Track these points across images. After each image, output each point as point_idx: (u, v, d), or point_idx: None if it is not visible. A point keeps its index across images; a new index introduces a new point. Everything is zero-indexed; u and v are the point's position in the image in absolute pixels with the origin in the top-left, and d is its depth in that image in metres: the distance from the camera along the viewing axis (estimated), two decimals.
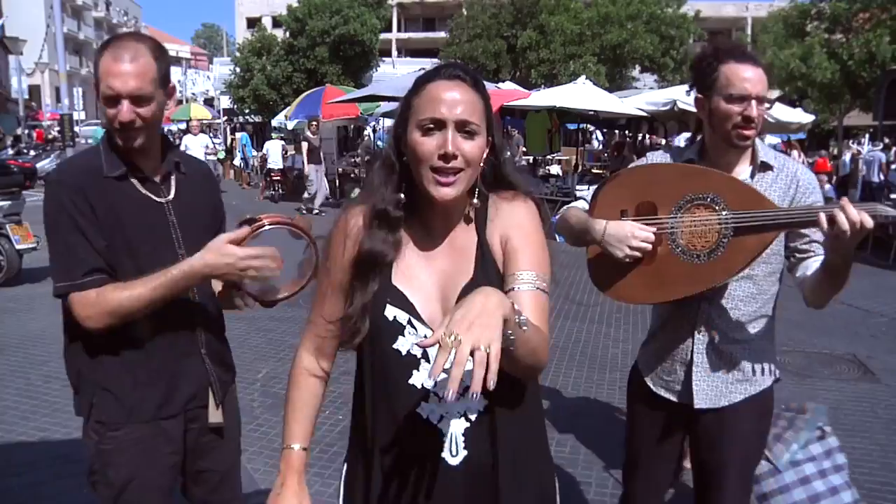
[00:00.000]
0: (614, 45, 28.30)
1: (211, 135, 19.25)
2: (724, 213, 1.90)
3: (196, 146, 14.87)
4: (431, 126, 1.35)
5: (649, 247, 1.96)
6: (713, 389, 2.10)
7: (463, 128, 1.35)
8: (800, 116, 13.93)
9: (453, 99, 1.35)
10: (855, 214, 1.67)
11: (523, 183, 1.50)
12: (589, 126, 18.39)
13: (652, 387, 2.21)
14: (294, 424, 1.53)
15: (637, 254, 1.97)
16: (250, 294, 1.89)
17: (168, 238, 1.88)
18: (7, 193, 7.80)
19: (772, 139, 19.49)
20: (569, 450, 3.97)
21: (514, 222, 1.44)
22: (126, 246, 1.81)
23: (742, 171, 2.05)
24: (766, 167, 2.05)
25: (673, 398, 2.16)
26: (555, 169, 17.32)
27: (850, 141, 20.57)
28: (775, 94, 26.60)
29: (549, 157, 17.37)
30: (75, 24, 49.85)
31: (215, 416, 1.99)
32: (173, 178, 1.94)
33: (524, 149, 16.91)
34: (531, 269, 1.39)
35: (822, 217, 1.73)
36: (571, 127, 17.06)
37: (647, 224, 1.99)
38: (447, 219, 1.46)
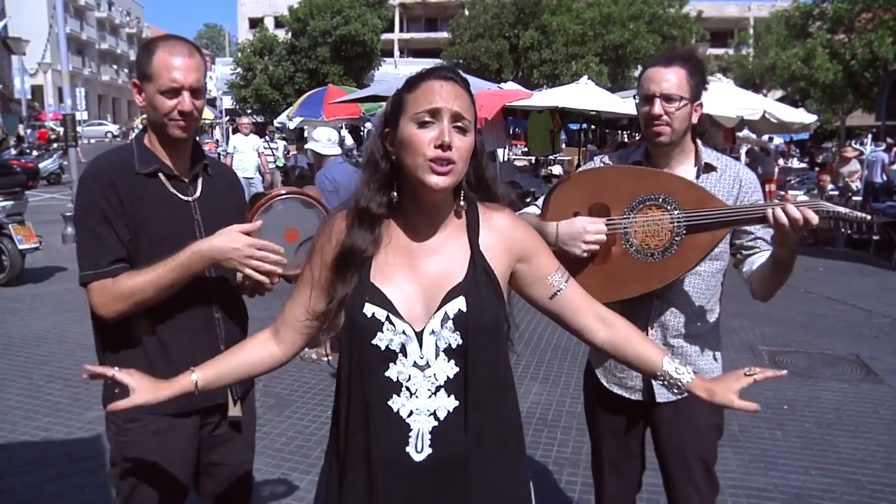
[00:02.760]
0: (616, 46, 28.30)
1: (267, 138, 16.13)
2: (675, 212, 1.96)
3: (246, 147, 12.00)
4: (427, 118, 1.37)
5: (604, 238, 2.00)
6: None
7: (456, 121, 1.38)
8: (802, 117, 13.94)
9: (448, 93, 1.38)
10: (796, 212, 1.77)
11: (503, 191, 1.55)
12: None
13: (606, 384, 2.23)
14: (213, 362, 1.59)
15: (595, 247, 2.00)
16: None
17: (192, 236, 1.90)
18: (10, 193, 7.81)
19: (775, 139, 19.52)
20: (571, 450, 3.96)
21: (520, 239, 1.52)
22: (149, 241, 1.85)
23: (687, 171, 2.11)
24: (709, 168, 2.11)
25: (628, 395, 2.19)
26: (557, 169, 17.33)
27: (854, 142, 20.50)
28: (778, 94, 26.59)
29: (550, 157, 17.38)
30: (78, 24, 49.95)
31: (234, 410, 2.03)
32: (200, 178, 1.99)
33: (526, 149, 16.89)
34: (556, 270, 1.54)
35: (769, 213, 1.82)
36: (574, 127, 17.06)
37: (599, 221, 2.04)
38: (433, 219, 1.47)
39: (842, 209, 1.85)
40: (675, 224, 1.96)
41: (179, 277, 1.80)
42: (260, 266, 1.79)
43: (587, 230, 1.99)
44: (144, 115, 1.99)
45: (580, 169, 2.31)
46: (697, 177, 2.10)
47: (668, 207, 1.97)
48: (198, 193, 1.96)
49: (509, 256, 1.50)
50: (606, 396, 2.23)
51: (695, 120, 2.07)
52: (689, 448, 2.15)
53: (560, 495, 3.46)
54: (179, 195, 1.92)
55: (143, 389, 1.53)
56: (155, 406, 1.87)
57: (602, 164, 2.24)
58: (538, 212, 2.21)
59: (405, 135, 1.39)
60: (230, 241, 1.78)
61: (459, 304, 1.41)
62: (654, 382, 2.11)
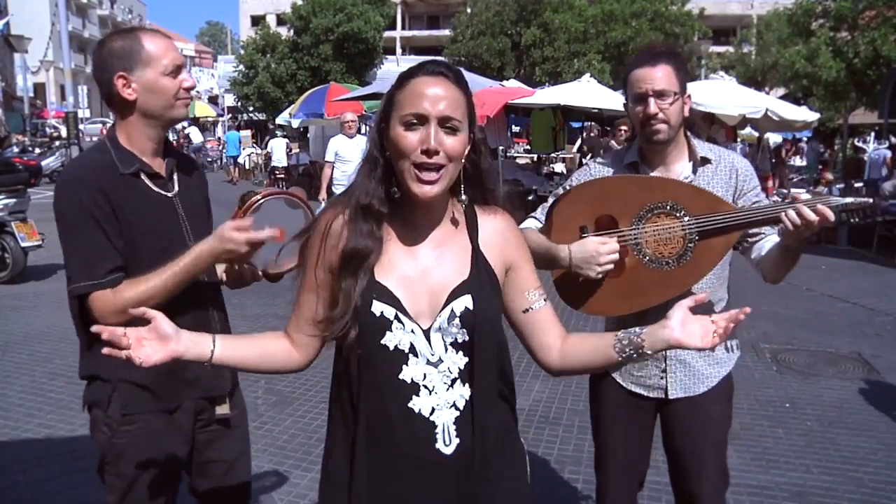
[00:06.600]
0: (618, 43, 28.27)
1: None
2: (686, 219, 1.96)
3: (353, 153, 8.12)
4: (414, 121, 1.35)
5: (617, 257, 1.99)
6: (690, 378, 2.15)
7: (445, 123, 1.35)
8: (804, 114, 13.91)
9: (436, 95, 1.35)
10: (811, 214, 1.81)
11: (499, 189, 1.54)
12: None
13: (622, 382, 2.21)
14: (231, 337, 1.56)
15: (609, 267, 1.99)
16: (254, 267, 1.98)
17: (179, 232, 1.91)
18: (12, 191, 7.83)
19: (775, 137, 19.47)
20: (572, 448, 3.97)
21: (514, 246, 1.52)
22: (142, 242, 1.83)
23: (683, 166, 2.11)
24: (705, 161, 2.11)
25: (647, 393, 2.18)
26: (559, 167, 17.32)
27: (857, 139, 20.45)
28: (780, 92, 26.51)
29: (553, 155, 17.37)
30: (80, 22, 49.95)
31: (222, 408, 2.03)
32: (175, 173, 1.98)
33: (528, 146, 16.88)
34: (537, 287, 1.53)
35: (783, 216, 1.86)
36: (576, 125, 17.03)
37: (609, 237, 2.01)
38: (430, 215, 1.46)
39: (848, 199, 1.88)
40: (687, 231, 1.96)
41: (181, 282, 1.79)
42: (263, 244, 1.82)
43: (600, 252, 1.97)
44: None
45: (582, 180, 2.22)
46: (695, 171, 2.10)
47: (678, 214, 1.97)
48: (177, 189, 1.96)
49: (502, 259, 1.50)
50: (623, 395, 2.21)
51: (686, 112, 2.08)
52: (704, 442, 2.16)
53: (561, 493, 3.47)
54: (162, 192, 1.91)
55: (165, 320, 1.44)
56: (157, 399, 1.88)
57: (599, 173, 2.20)
58: (539, 225, 2.18)
59: (394, 136, 1.37)
60: (224, 241, 1.77)
61: (466, 301, 1.41)
62: (667, 379, 2.14)
